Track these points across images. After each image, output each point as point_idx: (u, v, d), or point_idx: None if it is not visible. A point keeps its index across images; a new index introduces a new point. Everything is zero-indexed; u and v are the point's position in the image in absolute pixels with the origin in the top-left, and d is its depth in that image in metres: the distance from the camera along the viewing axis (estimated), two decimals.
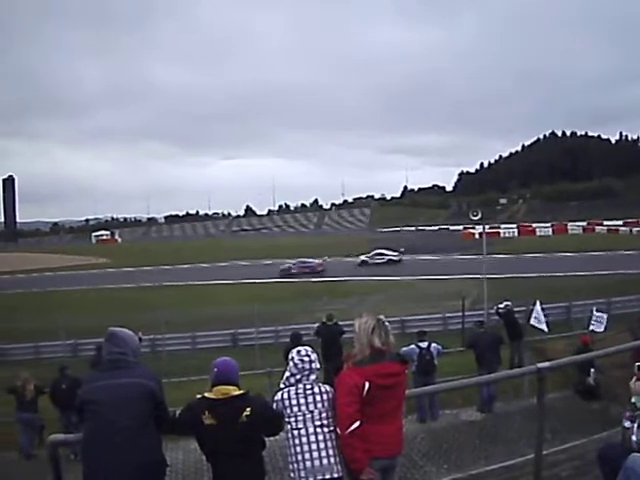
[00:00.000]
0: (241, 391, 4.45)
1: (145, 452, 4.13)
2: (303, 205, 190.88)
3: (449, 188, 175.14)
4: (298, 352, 4.68)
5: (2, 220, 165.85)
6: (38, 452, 11.57)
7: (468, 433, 10.29)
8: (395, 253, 63.75)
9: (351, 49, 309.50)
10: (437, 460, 8.46)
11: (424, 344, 12.75)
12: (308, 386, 4.55)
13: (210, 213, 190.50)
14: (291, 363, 4.63)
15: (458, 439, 9.92)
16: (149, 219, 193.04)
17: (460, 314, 25.63)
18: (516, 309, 18.48)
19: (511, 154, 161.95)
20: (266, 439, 4.52)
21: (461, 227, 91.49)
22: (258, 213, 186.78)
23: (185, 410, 4.47)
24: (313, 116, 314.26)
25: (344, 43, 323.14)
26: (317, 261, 60.49)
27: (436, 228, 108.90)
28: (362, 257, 62.61)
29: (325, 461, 4.34)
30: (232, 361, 4.64)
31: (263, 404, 4.53)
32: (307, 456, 4.36)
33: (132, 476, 4.03)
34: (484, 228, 41.16)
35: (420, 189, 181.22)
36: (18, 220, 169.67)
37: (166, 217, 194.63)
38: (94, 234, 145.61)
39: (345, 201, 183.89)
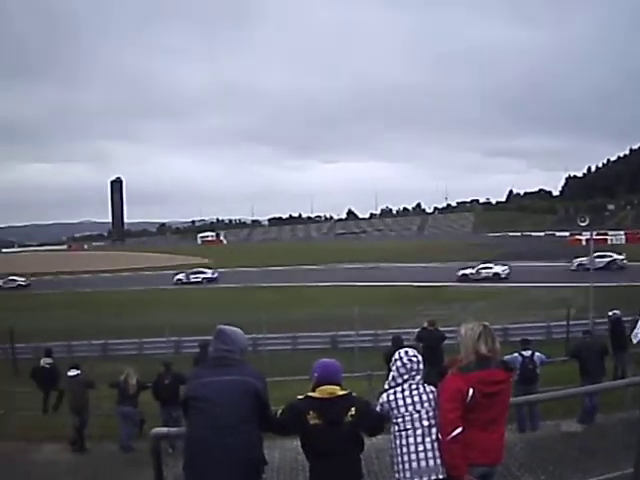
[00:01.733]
0: (346, 391, 4.49)
1: (246, 449, 4.18)
2: (405, 209, 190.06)
3: (556, 192, 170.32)
4: (406, 353, 4.69)
5: (110, 220, 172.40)
6: (137, 445, 11.84)
7: (567, 444, 10.02)
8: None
9: (456, 49, 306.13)
10: (534, 470, 8.30)
11: (527, 353, 12.47)
12: (414, 386, 4.56)
13: (312, 216, 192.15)
14: (399, 363, 4.64)
15: (557, 450, 9.70)
16: (253, 221, 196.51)
17: (564, 323, 24.94)
18: (624, 319, 17.81)
19: (619, 158, 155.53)
20: (365, 440, 4.60)
21: (567, 233, 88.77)
22: (360, 216, 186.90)
23: (288, 409, 4.50)
24: (418, 118, 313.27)
25: (450, 43, 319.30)
26: None
27: (542, 234, 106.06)
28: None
29: (431, 462, 4.32)
30: (336, 362, 4.68)
31: (366, 404, 4.55)
32: (413, 457, 4.35)
33: (232, 472, 4.10)
34: (592, 234, 39.80)
35: (526, 193, 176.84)
36: (126, 220, 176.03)
37: (270, 219, 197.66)
38: (200, 235, 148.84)
39: (448, 205, 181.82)
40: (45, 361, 16.51)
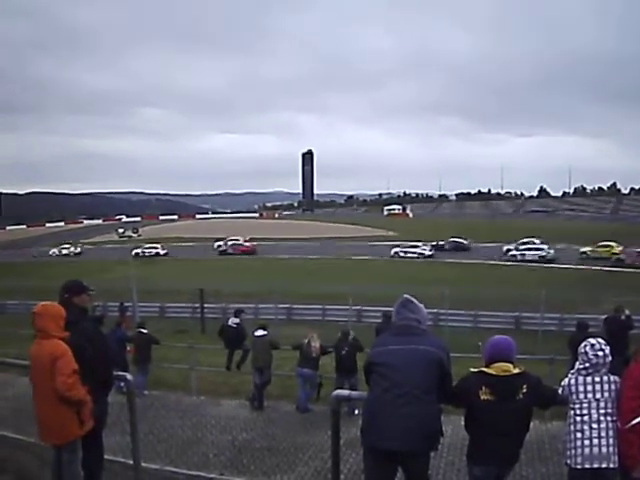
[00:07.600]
0: (520, 369, 4.48)
1: (424, 419, 4.26)
2: (600, 188, 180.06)
3: None
4: (592, 346, 4.58)
5: (301, 191, 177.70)
6: (313, 407, 12.23)
7: None
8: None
9: None
10: None
11: None
12: (597, 378, 4.48)
13: (502, 192, 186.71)
14: (584, 357, 4.57)
15: None
16: (440, 196, 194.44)
17: None
18: None
19: None
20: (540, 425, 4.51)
21: None
22: (552, 194, 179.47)
23: (461, 382, 4.57)
24: (620, 89, 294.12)
25: None
26: None
27: None
28: None
29: (604, 450, 4.27)
30: (510, 339, 4.67)
31: (538, 380, 4.56)
32: (587, 443, 4.31)
33: (409, 439, 4.20)
34: None
35: None
36: (315, 192, 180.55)
37: (457, 194, 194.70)
38: (386, 208, 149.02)
39: None
40: (233, 321, 17.24)
